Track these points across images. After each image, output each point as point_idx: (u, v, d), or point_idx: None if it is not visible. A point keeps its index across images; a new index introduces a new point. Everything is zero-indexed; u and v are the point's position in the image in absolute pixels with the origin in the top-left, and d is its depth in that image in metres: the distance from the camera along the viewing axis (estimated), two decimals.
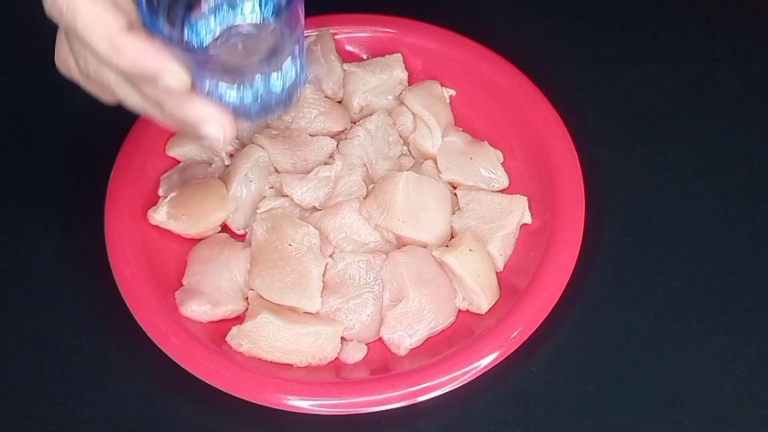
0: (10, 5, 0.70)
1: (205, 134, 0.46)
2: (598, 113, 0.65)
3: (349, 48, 0.67)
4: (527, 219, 0.59)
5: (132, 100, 0.46)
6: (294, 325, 0.53)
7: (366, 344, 0.56)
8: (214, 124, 0.45)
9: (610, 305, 0.57)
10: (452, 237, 0.58)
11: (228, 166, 0.61)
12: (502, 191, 0.61)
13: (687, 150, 0.63)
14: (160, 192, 0.60)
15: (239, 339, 0.54)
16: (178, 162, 0.62)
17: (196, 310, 0.55)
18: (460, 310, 0.56)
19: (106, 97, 0.47)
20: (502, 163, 0.62)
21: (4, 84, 0.68)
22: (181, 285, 0.57)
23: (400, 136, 0.63)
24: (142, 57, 0.42)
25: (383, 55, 0.66)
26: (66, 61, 0.47)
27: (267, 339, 0.53)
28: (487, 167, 0.61)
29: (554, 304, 0.54)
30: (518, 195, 0.60)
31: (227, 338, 0.54)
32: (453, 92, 0.65)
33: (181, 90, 0.43)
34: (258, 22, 0.48)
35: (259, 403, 0.51)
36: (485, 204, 0.59)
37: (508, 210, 0.59)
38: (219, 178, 0.61)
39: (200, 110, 0.45)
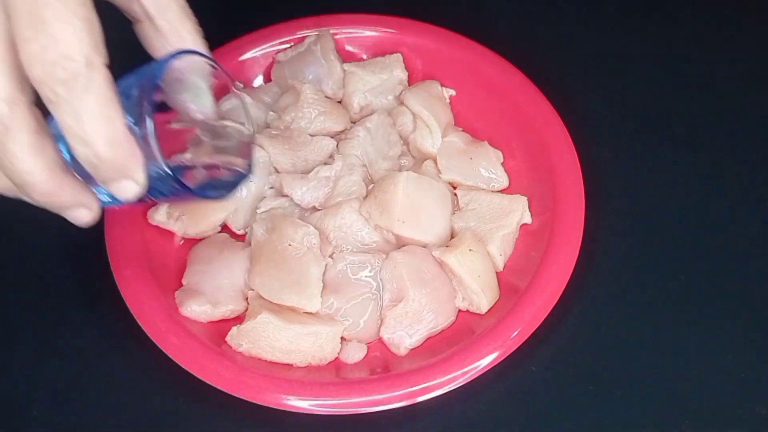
0: None
1: (71, 218, 0.44)
2: (598, 113, 0.65)
3: (349, 48, 0.67)
4: (527, 219, 0.59)
5: None
6: (294, 325, 0.53)
7: (366, 344, 0.56)
8: (85, 210, 0.44)
9: (610, 305, 0.57)
10: (452, 237, 0.58)
11: None
12: (502, 191, 0.61)
13: (687, 150, 0.63)
14: None
15: (239, 339, 0.54)
16: None
17: (196, 310, 0.55)
18: (460, 310, 0.56)
19: None
20: (502, 163, 0.62)
21: None
22: (181, 285, 0.57)
23: (400, 136, 0.63)
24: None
25: (383, 55, 0.66)
26: None
27: (267, 339, 0.53)
28: (487, 167, 0.61)
29: (554, 304, 0.53)
30: (518, 195, 0.60)
31: (227, 338, 0.54)
32: (453, 92, 0.65)
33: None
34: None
35: (259, 403, 0.51)
36: (485, 204, 0.59)
37: (508, 210, 0.59)
38: None
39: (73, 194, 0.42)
